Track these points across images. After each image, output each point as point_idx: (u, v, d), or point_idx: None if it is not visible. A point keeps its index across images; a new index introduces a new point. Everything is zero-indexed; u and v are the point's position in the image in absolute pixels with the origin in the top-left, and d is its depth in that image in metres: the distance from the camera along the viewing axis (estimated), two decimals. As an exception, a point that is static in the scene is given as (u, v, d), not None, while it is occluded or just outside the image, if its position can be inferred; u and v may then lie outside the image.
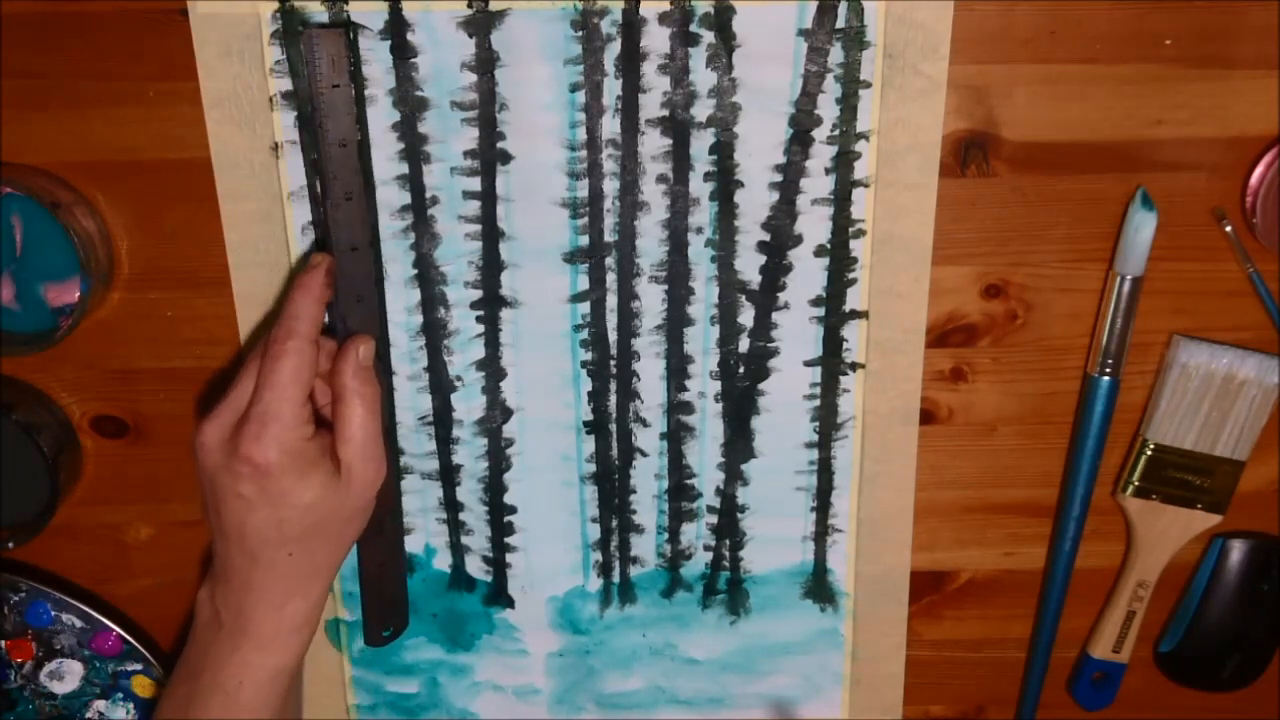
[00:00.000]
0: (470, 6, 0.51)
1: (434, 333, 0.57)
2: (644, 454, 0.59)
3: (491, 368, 0.57)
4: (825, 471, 0.59)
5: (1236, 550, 0.60)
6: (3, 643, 0.61)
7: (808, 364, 0.57)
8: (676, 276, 0.56)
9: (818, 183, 0.54)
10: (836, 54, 0.51)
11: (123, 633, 0.61)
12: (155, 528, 0.61)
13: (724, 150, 0.53)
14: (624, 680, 0.64)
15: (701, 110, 0.52)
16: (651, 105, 0.52)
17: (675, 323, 0.56)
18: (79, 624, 0.61)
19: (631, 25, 0.51)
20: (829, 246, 0.55)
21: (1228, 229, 0.55)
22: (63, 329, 0.54)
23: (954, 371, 0.58)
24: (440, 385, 0.58)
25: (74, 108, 0.53)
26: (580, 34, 0.51)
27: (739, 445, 0.59)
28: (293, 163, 0.53)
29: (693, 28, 0.51)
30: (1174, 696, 0.64)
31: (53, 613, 0.60)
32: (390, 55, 0.51)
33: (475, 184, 0.54)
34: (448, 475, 0.60)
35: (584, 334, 0.57)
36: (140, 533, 0.61)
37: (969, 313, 0.57)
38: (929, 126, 0.52)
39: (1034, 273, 0.56)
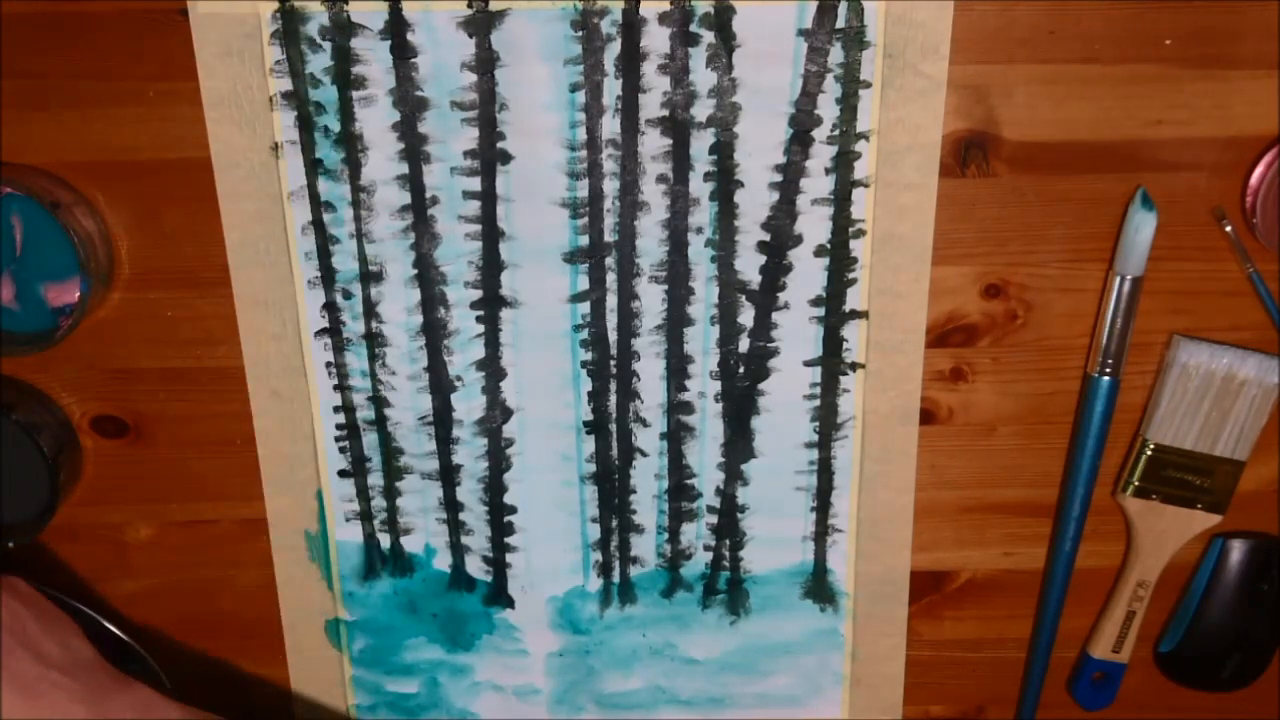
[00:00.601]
0: (470, 6, 0.51)
1: (434, 333, 0.57)
2: (644, 454, 0.59)
3: (491, 368, 0.57)
4: (825, 471, 0.59)
5: (1236, 550, 0.60)
6: (2, 643, 0.61)
7: (808, 364, 0.57)
8: (676, 276, 0.56)
9: (818, 183, 0.54)
10: (836, 54, 0.51)
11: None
12: (155, 528, 0.61)
13: (724, 150, 0.53)
14: (624, 680, 0.64)
15: (701, 110, 0.52)
16: (651, 105, 0.52)
17: (675, 323, 0.56)
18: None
19: (631, 25, 0.51)
20: (829, 246, 0.55)
21: (1228, 229, 0.55)
22: (63, 329, 0.54)
23: (954, 371, 0.58)
24: (440, 385, 0.58)
25: (74, 108, 0.53)
26: (580, 34, 0.51)
27: (739, 445, 0.59)
28: (293, 163, 0.53)
29: (693, 28, 0.51)
30: (1174, 696, 0.64)
31: (53, 613, 0.60)
32: (390, 55, 0.51)
33: (475, 184, 0.54)
34: (448, 475, 0.60)
35: (584, 334, 0.57)
36: (140, 533, 0.61)
37: (969, 313, 0.57)
38: (929, 126, 0.52)
39: (1034, 273, 0.56)
